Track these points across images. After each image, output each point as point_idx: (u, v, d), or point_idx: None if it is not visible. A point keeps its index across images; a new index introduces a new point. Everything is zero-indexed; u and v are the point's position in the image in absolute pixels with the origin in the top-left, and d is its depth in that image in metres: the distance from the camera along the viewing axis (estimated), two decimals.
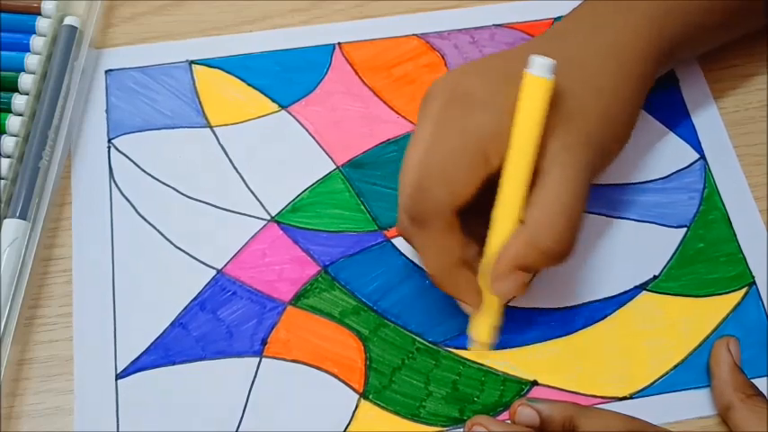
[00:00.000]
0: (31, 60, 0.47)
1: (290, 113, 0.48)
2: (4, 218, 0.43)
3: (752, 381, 0.41)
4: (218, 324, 0.42)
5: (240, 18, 0.51)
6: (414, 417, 0.41)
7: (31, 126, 0.46)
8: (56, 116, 0.46)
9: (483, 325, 0.41)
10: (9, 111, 0.46)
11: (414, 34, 0.51)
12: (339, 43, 0.50)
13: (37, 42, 0.48)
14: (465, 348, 0.42)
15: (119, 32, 0.51)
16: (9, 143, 0.45)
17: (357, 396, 0.41)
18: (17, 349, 0.42)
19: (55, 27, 0.49)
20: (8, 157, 0.45)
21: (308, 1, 0.52)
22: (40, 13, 0.49)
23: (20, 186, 0.44)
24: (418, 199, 0.38)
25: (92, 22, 0.49)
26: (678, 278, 0.44)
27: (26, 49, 0.48)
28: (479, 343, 0.41)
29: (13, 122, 0.45)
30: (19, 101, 0.46)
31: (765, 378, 0.42)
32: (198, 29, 0.51)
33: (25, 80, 0.47)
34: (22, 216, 0.43)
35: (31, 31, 0.48)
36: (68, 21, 0.49)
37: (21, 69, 0.47)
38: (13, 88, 0.47)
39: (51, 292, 0.43)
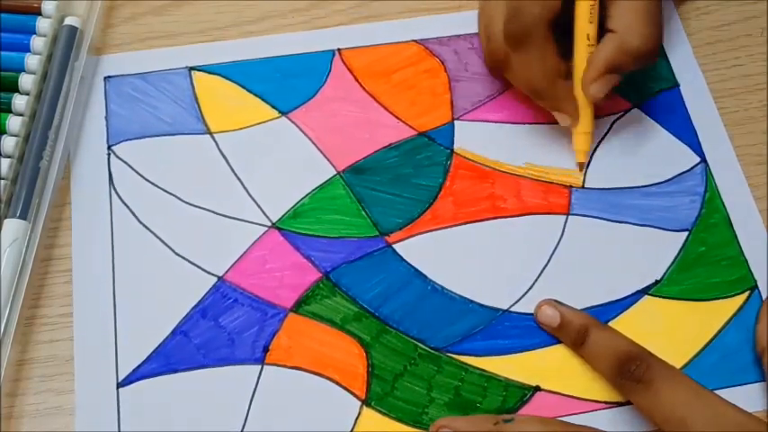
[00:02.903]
0: (32, 60, 0.47)
1: (290, 120, 0.48)
2: (5, 218, 0.43)
3: None
4: (219, 331, 0.42)
5: (240, 18, 0.51)
6: (416, 423, 0.41)
7: (32, 126, 0.46)
8: (56, 116, 0.46)
9: (581, 135, 0.46)
10: (9, 111, 0.46)
11: (413, 40, 0.50)
12: (339, 49, 0.50)
13: (37, 42, 0.48)
14: (467, 354, 0.42)
15: (119, 32, 0.50)
16: (9, 143, 0.45)
17: (359, 403, 0.41)
18: (17, 349, 0.42)
19: (55, 27, 0.49)
20: (8, 157, 0.45)
21: (307, 1, 0.52)
22: (40, 14, 0.49)
23: (20, 186, 0.44)
24: (516, 18, 0.43)
25: (92, 22, 0.49)
26: (680, 282, 0.44)
27: (26, 49, 0.48)
28: (579, 152, 0.46)
29: (14, 122, 0.45)
30: (19, 101, 0.46)
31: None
32: (198, 29, 0.50)
33: (25, 80, 0.47)
34: (23, 216, 0.43)
35: (32, 31, 0.48)
36: (69, 21, 0.49)
37: (21, 69, 0.47)
38: (14, 88, 0.46)
39: (51, 292, 0.43)
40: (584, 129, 0.46)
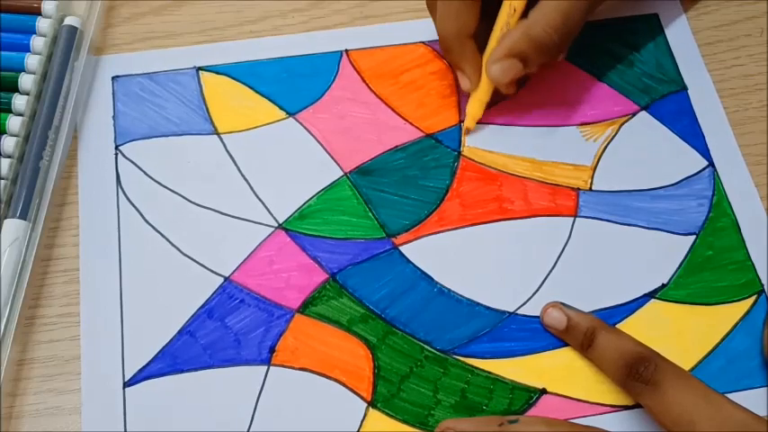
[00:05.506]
0: (32, 60, 0.47)
1: (298, 120, 0.48)
2: (5, 218, 0.43)
3: None
4: (225, 332, 0.42)
5: (240, 18, 0.51)
6: (422, 425, 0.41)
7: (32, 126, 0.46)
8: (56, 116, 0.46)
9: (476, 101, 0.47)
10: (9, 111, 0.46)
11: (421, 41, 0.50)
12: (346, 50, 0.50)
13: (37, 42, 0.48)
14: (473, 356, 0.42)
15: (119, 32, 0.50)
16: (9, 143, 0.45)
17: (365, 404, 0.41)
18: (17, 349, 0.42)
19: (55, 27, 0.49)
20: (8, 157, 0.45)
21: (308, 1, 0.52)
22: (40, 14, 0.49)
23: (20, 186, 0.44)
24: None
25: (92, 22, 0.49)
26: (687, 286, 0.44)
27: (26, 49, 0.48)
28: (469, 116, 0.47)
29: (14, 122, 0.45)
30: (19, 101, 0.46)
31: None
32: (198, 29, 0.50)
33: (25, 80, 0.47)
34: (23, 216, 0.43)
35: (32, 31, 0.48)
36: (69, 21, 0.49)
37: (21, 69, 0.47)
38: (14, 88, 0.46)
39: (51, 292, 0.43)
40: (480, 96, 0.46)
